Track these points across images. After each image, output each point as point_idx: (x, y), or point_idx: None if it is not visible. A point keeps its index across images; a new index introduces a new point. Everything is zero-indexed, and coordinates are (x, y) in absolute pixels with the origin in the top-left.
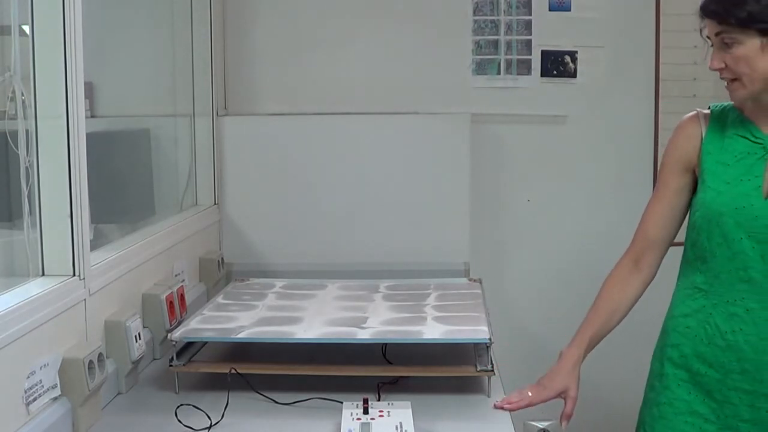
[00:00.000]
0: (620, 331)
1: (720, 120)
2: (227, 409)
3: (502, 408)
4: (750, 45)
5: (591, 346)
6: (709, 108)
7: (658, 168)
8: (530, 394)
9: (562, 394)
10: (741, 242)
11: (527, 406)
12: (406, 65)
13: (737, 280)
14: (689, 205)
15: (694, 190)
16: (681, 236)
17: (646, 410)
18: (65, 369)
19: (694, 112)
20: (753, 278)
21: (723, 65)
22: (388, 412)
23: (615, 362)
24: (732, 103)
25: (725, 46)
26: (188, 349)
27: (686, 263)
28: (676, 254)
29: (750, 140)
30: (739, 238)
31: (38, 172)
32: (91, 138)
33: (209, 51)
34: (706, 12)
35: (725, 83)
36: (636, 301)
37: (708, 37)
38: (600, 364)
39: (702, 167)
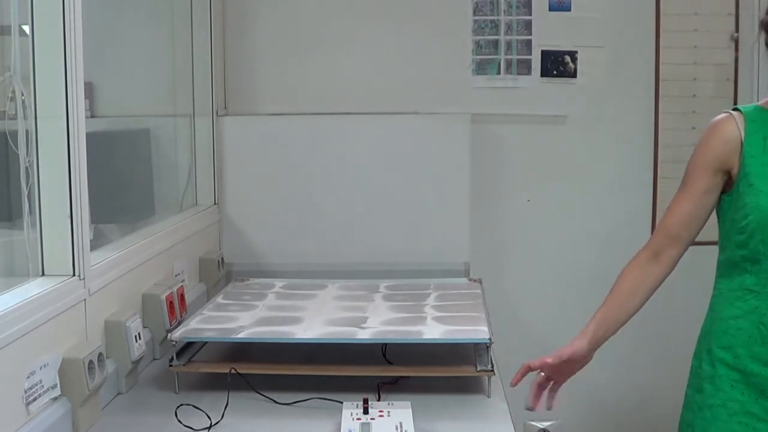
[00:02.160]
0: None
1: (756, 122)
2: (227, 409)
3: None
4: None
5: (606, 326)
6: (737, 110)
7: (687, 166)
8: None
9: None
10: None
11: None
12: (406, 65)
13: None
14: (714, 206)
15: (723, 191)
16: (707, 236)
17: (694, 414)
18: (65, 369)
19: (727, 113)
20: None
21: None
22: (388, 412)
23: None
24: (758, 104)
25: None
26: (188, 349)
27: (731, 265)
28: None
29: None
30: None
31: (38, 172)
32: (91, 138)
33: (209, 51)
34: None
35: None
36: (653, 291)
37: None
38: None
39: (746, 170)
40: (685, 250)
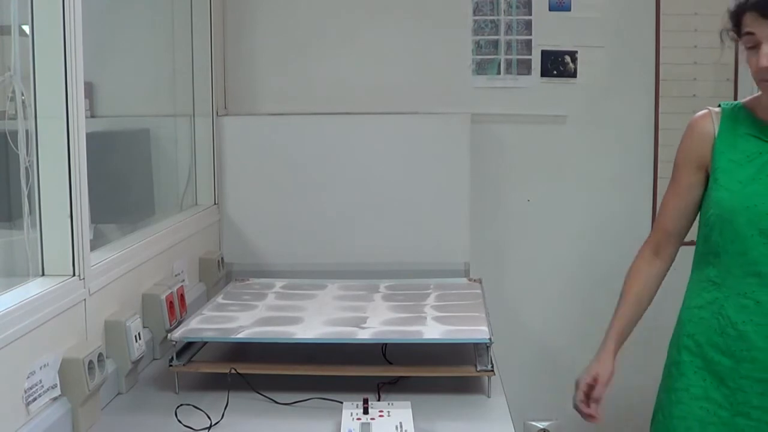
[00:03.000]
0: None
1: (731, 119)
2: (227, 409)
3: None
4: None
5: (624, 336)
6: (719, 106)
7: (673, 165)
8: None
9: (595, 379)
10: (752, 239)
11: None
12: (406, 65)
13: (748, 274)
14: (702, 200)
15: (706, 186)
16: (692, 235)
17: (664, 395)
18: (65, 369)
19: (706, 110)
20: (762, 272)
21: None
22: (388, 412)
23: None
24: (741, 102)
25: None
26: (188, 349)
27: (699, 257)
28: (686, 253)
29: (762, 140)
30: (750, 235)
31: (38, 172)
32: (91, 138)
33: (209, 51)
34: (764, 12)
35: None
36: (658, 288)
37: (749, 34)
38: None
39: (714, 165)
40: (681, 242)
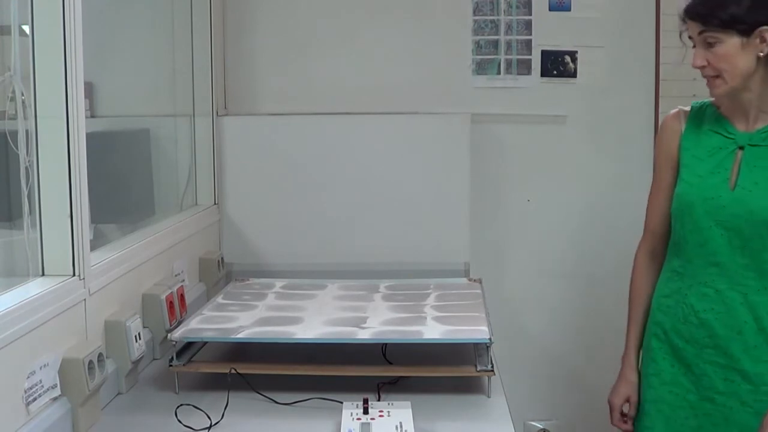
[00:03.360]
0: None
1: (698, 116)
2: (227, 409)
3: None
4: (731, 44)
5: (641, 342)
6: (690, 105)
7: (653, 166)
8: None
9: (627, 400)
10: (710, 230)
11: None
12: (406, 65)
13: (707, 264)
14: None
15: None
16: None
17: (640, 379)
18: (65, 369)
19: (677, 109)
20: (721, 262)
21: (705, 63)
22: (388, 412)
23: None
24: (711, 100)
25: (708, 45)
26: (188, 349)
27: (669, 249)
28: None
29: (723, 136)
30: (708, 226)
31: (38, 172)
32: (91, 138)
33: (209, 51)
34: (690, 14)
35: (706, 80)
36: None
37: (690, 37)
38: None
39: (680, 162)
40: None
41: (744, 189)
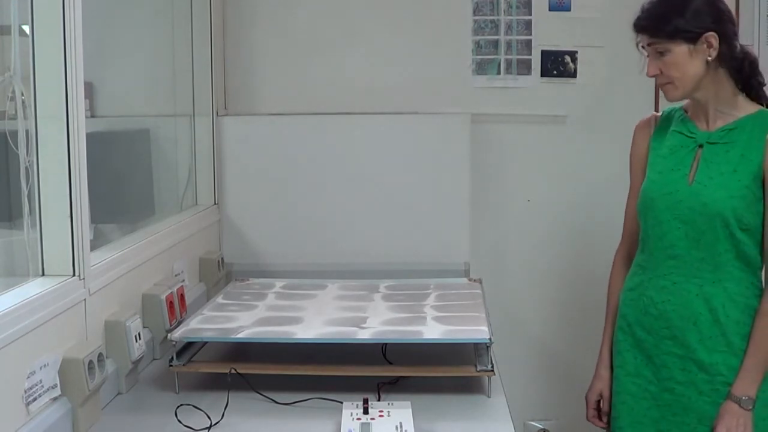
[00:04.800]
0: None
1: (667, 120)
2: (227, 409)
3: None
4: (679, 52)
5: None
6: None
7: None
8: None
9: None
10: (669, 223)
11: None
12: (406, 65)
13: (666, 257)
14: None
15: None
16: None
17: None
18: (65, 369)
19: (650, 114)
20: (678, 254)
21: (658, 71)
22: (388, 412)
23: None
24: (682, 105)
25: (659, 54)
26: (188, 349)
27: (638, 245)
28: None
29: (685, 135)
30: (667, 220)
31: (38, 172)
32: (91, 138)
33: (209, 51)
34: (638, 28)
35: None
36: None
37: (643, 47)
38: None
39: (648, 161)
40: None
41: (700, 184)
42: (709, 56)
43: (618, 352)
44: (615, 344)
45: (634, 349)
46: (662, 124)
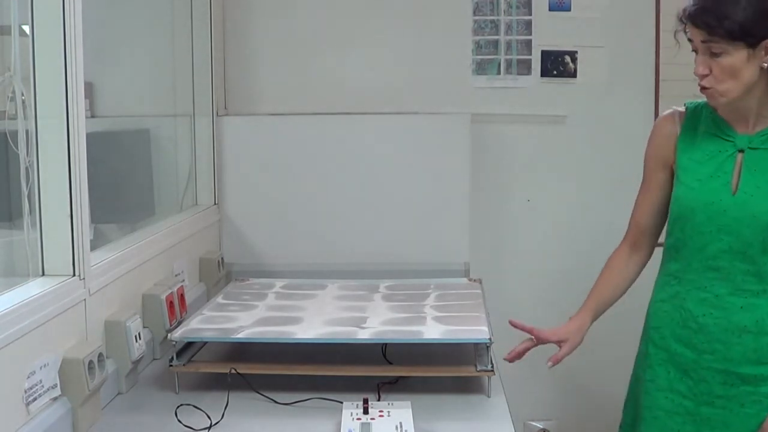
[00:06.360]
0: (612, 319)
1: (694, 118)
2: (227, 409)
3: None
4: (737, 56)
5: (596, 314)
6: (684, 105)
7: (643, 164)
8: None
9: (560, 342)
10: (711, 234)
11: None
12: (406, 65)
13: (707, 268)
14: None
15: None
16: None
17: (634, 384)
18: (65, 369)
19: (671, 110)
20: (721, 267)
21: (708, 71)
22: (388, 412)
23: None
24: (706, 100)
25: (712, 54)
26: (188, 349)
27: (665, 252)
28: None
29: (722, 138)
30: (709, 231)
31: (38, 172)
32: (91, 138)
33: (209, 51)
34: (695, 22)
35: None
36: (634, 279)
37: (690, 40)
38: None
39: (677, 164)
40: (657, 237)
41: (746, 193)
42: (766, 63)
43: (649, 366)
44: (645, 357)
45: (667, 364)
46: (689, 123)
